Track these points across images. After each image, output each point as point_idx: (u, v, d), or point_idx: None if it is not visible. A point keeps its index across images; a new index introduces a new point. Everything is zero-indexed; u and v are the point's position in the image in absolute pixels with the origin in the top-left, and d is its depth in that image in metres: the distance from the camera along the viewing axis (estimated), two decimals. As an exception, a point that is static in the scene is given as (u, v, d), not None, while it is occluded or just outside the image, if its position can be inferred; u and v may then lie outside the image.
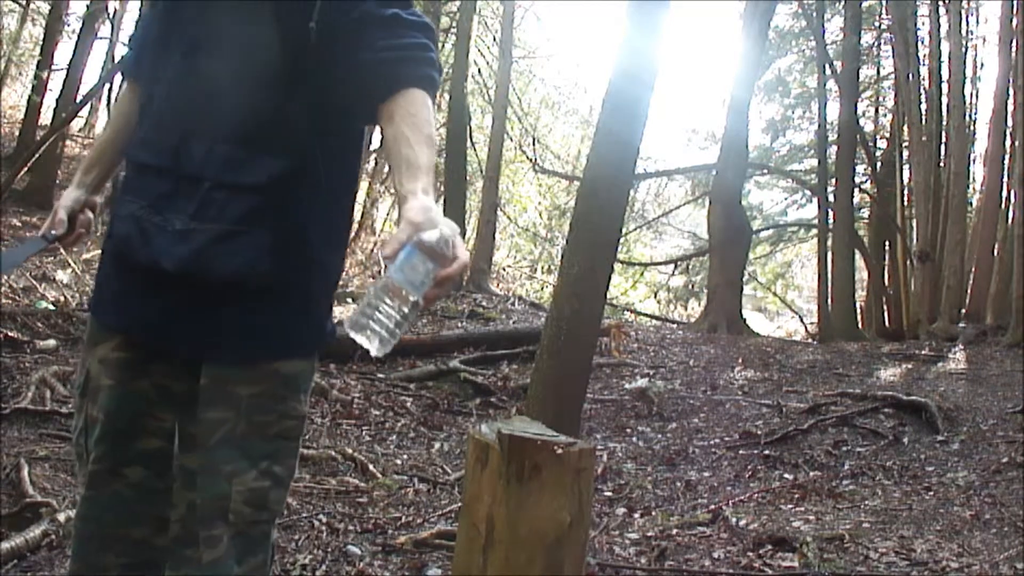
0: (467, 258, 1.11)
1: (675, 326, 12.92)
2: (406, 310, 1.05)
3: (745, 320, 11.86)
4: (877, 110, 17.85)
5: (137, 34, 1.50)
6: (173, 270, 1.25)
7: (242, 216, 1.25)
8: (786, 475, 4.54)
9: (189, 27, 1.33)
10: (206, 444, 1.30)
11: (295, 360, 1.36)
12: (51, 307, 6.36)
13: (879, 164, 16.02)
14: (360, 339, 1.06)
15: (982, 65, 15.39)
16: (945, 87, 12.83)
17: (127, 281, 1.34)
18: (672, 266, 17.65)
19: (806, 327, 17.20)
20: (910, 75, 13.26)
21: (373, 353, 1.07)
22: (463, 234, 13.03)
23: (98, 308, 1.42)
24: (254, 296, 1.28)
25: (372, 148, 17.13)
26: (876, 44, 16.73)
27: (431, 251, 1.06)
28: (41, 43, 13.18)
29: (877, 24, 16.18)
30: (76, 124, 15.81)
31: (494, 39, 15.47)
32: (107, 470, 1.35)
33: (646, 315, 16.39)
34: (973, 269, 11.86)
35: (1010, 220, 11.43)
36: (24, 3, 13.91)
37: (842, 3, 14.40)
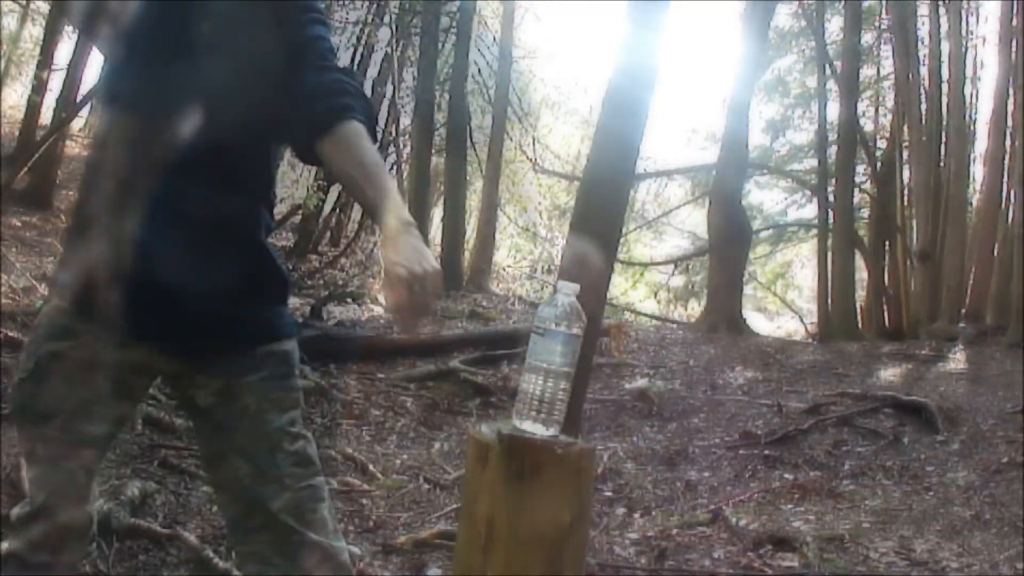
0: (398, 279, 1.18)
1: (675, 326, 12.92)
2: None
3: (745, 320, 11.85)
4: (877, 110, 17.81)
5: None
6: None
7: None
8: (786, 475, 4.55)
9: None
10: (239, 429, 1.43)
11: (285, 340, 1.50)
12: (51, 307, 6.34)
13: (879, 164, 16.01)
14: None
15: (982, 65, 15.35)
16: (945, 87, 12.80)
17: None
18: (672, 266, 17.65)
19: (806, 327, 17.19)
20: (910, 75, 13.24)
21: None
22: (463, 234, 13.07)
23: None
24: (242, 296, 1.43)
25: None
26: (876, 44, 16.70)
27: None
28: (41, 43, 13.17)
29: (877, 24, 16.16)
30: (76, 124, 15.79)
31: (494, 39, 15.45)
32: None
33: (646, 315, 16.38)
34: (973, 269, 11.84)
35: (1010, 220, 11.41)
36: (24, 3, 13.91)
37: (842, 3, 14.39)
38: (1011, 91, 11.65)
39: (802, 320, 18.18)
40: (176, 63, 1.37)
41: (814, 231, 15.20)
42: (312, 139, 1.31)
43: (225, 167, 1.38)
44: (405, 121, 14.46)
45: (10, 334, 5.10)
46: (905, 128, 13.94)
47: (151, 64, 1.40)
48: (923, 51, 13.86)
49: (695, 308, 17.44)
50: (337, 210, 16.54)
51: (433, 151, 13.63)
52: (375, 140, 1.36)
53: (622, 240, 9.18)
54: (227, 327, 1.44)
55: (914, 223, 13.68)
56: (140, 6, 1.42)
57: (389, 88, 16.40)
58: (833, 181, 13.49)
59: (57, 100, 12.50)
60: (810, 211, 17.58)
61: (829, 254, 12.88)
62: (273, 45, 1.35)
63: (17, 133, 13.00)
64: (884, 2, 15.41)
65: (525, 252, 20.85)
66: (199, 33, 1.37)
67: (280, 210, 16.12)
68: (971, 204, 13.83)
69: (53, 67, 12.61)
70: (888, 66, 16.47)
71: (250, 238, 1.45)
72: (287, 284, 1.54)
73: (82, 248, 1.42)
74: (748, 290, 16.10)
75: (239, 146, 1.39)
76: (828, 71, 13.77)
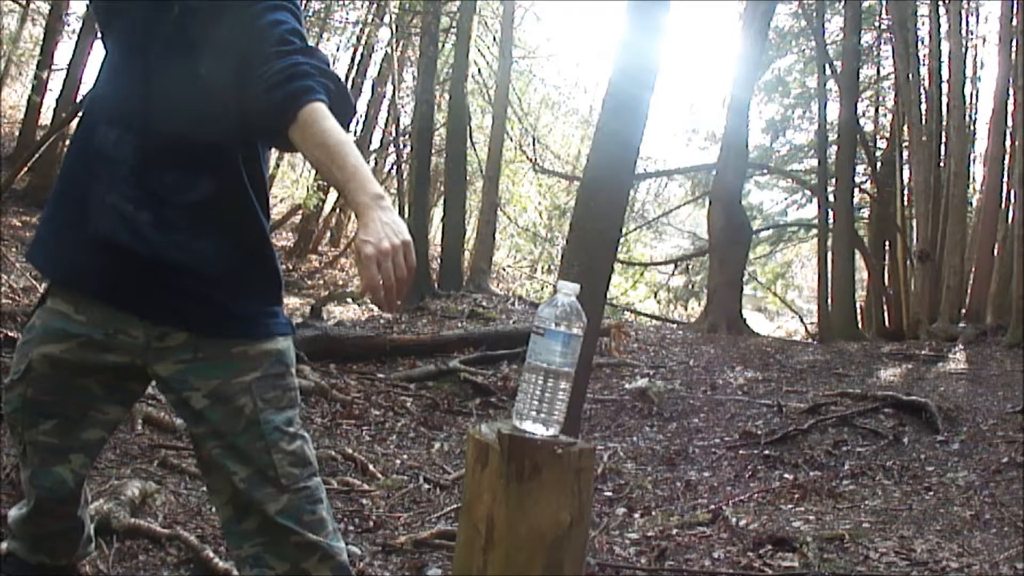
0: (366, 257, 1.17)
1: (675, 326, 12.92)
2: None
3: (745, 320, 11.85)
4: (877, 110, 17.82)
5: None
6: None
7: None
8: (786, 475, 4.54)
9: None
10: (235, 430, 1.42)
11: (279, 339, 1.50)
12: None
13: (879, 164, 16.01)
14: None
15: (982, 65, 15.39)
16: (945, 87, 12.81)
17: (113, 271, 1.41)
18: (672, 266, 17.65)
19: (806, 327, 17.19)
20: (910, 75, 13.24)
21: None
22: (463, 234, 13.06)
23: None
24: (227, 290, 1.44)
25: (372, 149, 17.13)
26: (876, 44, 16.71)
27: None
28: (41, 43, 13.18)
29: (877, 24, 16.16)
30: (76, 124, 15.77)
31: (494, 39, 15.45)
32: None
33: (646, 315, 16.38)
34: (973, 269, 11.84)
35: (1010, 220, 11.42)
36: (24, 3, 13.90)
37: (842, 3, 14.39)
38: (1011, 91, 11.66)
39: (802, 320, 18.18)
40: (145, 56, 1.38)
41: (814, 231, 15.20)
42: (277, 128, 1.29)
43: (201, 157, 1.39)
44: (405, 121, 14.47)
45: (10, 334, 5.10)
46: (905, 128, 13.95)
47: (123, 57, 1.41)
48: (923, 51, 13.87)
49: (695, 308, 17.44)
50: (337, 210, 16.55)
51: (433, 151, 13.63)
52: (348, 114, 1.34)
53: (622, 240, 9.18)
54: (217, 316, 1.44)
55: (914, 223, 13.68)
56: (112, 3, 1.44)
57: (389, 88, 16.42)
58: (833, 181, 13.49)
59: (57, 100, 12.52)
60: (810, 211, 17.60)
61: (829, 254, 12.88)
62: (235, 37, 1.34)
63: (17, 133, 13.02)
64: (884, 2, 15.41)
65: (525, 252, 20.86)
66: (166, 26, 1.38)
67: (280, 210, 16.13)
68: (971, 204, 13.83)
69: (53, 67, 12.62)
70: (888, 66, 16.48)
71: (238, 231, 1.45)
72: (280, 283, 1.53)
73: (66, 229, 1.43)
74: (748, 290, 16.11)
75: (213, 137, 1.39)
76: (828, 71, 13.77)
